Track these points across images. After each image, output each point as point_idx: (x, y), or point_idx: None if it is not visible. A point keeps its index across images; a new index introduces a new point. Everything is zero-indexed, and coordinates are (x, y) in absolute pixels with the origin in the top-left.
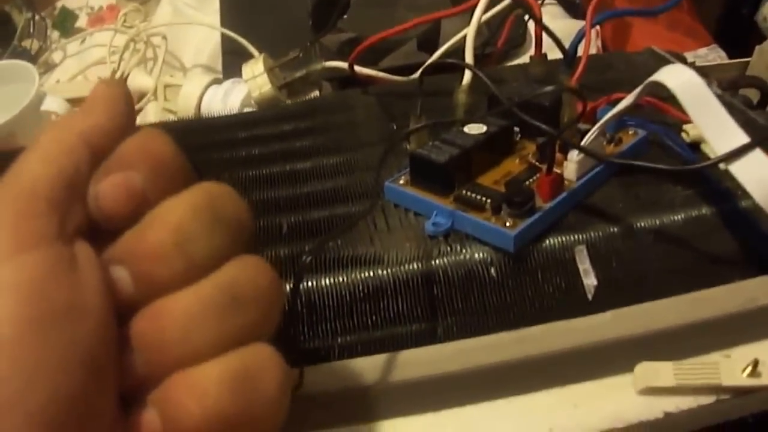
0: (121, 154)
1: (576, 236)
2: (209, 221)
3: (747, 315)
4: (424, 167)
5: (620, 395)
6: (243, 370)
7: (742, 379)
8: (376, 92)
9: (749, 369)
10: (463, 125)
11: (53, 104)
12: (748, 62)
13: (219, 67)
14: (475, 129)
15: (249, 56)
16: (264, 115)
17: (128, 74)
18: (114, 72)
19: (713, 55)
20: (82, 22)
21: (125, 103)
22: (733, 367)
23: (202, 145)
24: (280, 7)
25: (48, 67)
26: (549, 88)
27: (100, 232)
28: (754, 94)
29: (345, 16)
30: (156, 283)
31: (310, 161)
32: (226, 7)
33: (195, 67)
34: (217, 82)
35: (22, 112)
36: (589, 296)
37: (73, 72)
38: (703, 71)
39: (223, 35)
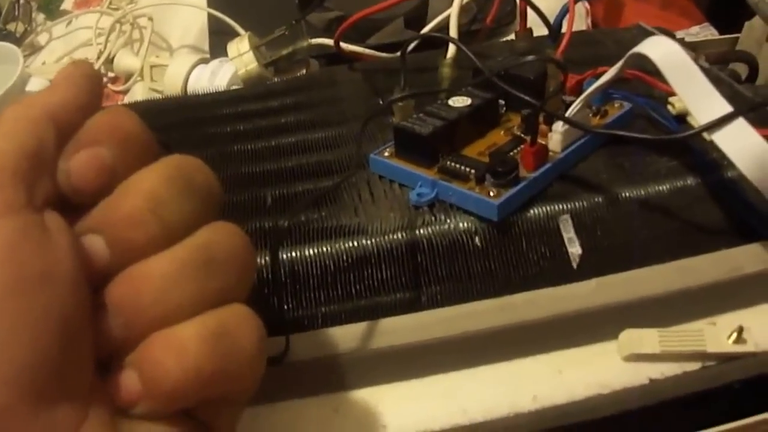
0: (89, 130)
1: (560, 206)
2: (181, 188)
3: (732, 283)
4: (408, 139)
5: (605, 362)
6: (220, 329)
7: (727, 346)
8: (362, 68)
9: (734, 336)
10: (448, 98)
11: (38, 85)
12: (737, 38)
13: (206, 47)
14: (459, 101)
15: (236, 36)
16: (250, 92)
17: (114, 55)
18: (100, 53)
19: (705, 33)
20: (67, 4)
21: (90, 81)
22: (718, 334)
23: (187, 122)
24: None
25: (33, 49)
26: (530, 58)
27: (73, 207)
28: (743, 70)
29: None
30: (131, 248)
31: (295, 136)
32: None
33: (182, 48)
34: (203, 61)
35: (6, 93)
36: (574, 264)
37: (59, 54)
38: (692, 46)
39: (209, 15)
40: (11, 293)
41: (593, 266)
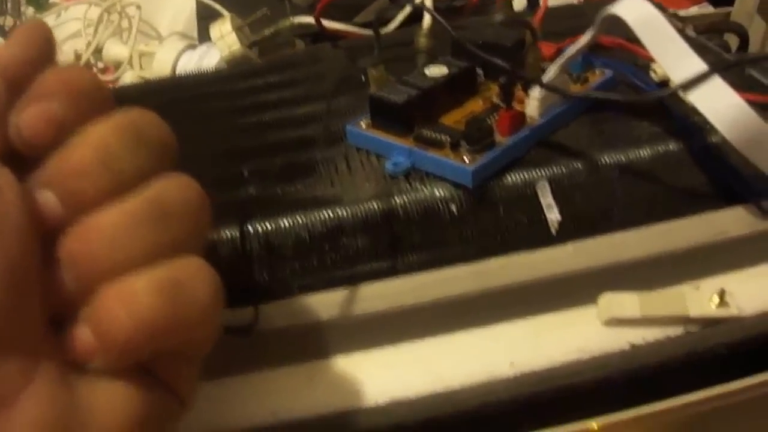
0: (41, 84)
1: (538, 172)
2: (132, 139)
3: (716, 247)
4: (384, 108)
5: (584, 327)
6: (173, 279)
7: (710, 310)
8: (345, 46)
9: (717, 299)
10: (424, 67)
11: None
12: (730, 12)
13: (195, 33)
14: (435, 71)
15: None
16: (233, 72)
17: (103, 45)
18: (89, 44)
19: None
20: None
21: (41, 37)
22: (700, 297)
23: (169, 102)
24: None
25: None
26: (498, 17)
27: (26, 162)
28: (735, 43)
29: None
30: (83, 201)
31: (276, 113)
32: None
33: (171, 35)
34: (191, 47)
35: None
36: (553, 231)
37: None
38: (682, 19)
39: (198, 1)
40: None
41: (573, 233)
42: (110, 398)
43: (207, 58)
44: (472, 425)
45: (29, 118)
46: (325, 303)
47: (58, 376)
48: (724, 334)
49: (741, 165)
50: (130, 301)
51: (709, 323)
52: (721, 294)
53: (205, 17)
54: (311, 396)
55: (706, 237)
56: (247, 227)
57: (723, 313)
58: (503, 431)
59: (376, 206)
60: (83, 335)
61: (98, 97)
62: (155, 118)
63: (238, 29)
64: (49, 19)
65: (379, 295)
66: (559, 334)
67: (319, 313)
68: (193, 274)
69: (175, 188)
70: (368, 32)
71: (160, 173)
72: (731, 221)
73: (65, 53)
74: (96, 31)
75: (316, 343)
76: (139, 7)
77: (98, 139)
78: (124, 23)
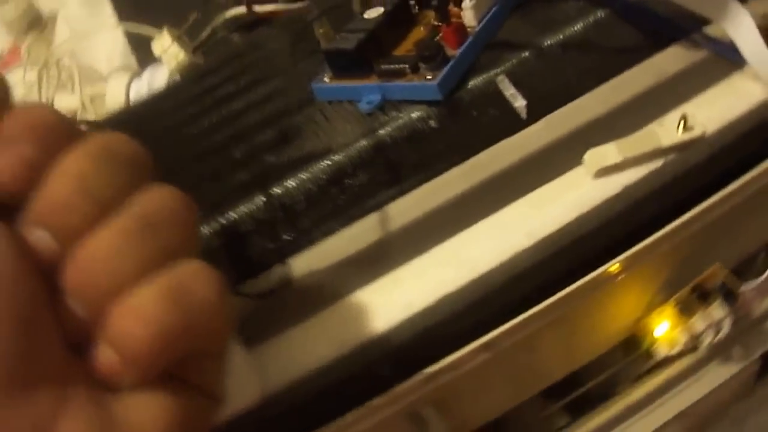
0: (6, 129)
1: (494, 71)
2: (106, 161)
3: (666, 84)
4: (339, 58)
5: (578, 185)
6: (175, 284)
7: (679, 137)
8: (280, 24)
9: (681, 125)
10: (362, 13)
11: None
12: None
13: (134, 63)
14: (373, 13)
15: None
16: (185, 80)
17: (52, 101)
18: None
19: None
20: None
21: None
22: (668, 129)
23: (139, 129)
24: None
25: None
26: None
27: (10, 207)
28: None
29: None
30: (73, 230)
31: (242, 100)
32: (116, 3)
33: (112, 72)
34: (137, 76)
35: None
36: (523, 116)
37: None
38: None
39: (124, 31)
40: None
41: (541, 112)
42: (145, 411)
43: (157, 79)
44: (510, 295)
45: (3, 164)
46: (347, 239)
47: (91, 398)
48: (698, 153)
49: (663, 10)
50: (140, 314)
51: (682, 148)
52: (684, 119)
53: (138, 45)
54: (372, 318)
55: (654, 79)
56: (260, 199)
57: (690, 135)
58: (535, 295)
59: (365, 143)
60: (105, 356)
61: (62, 128)
62: (123, 137)
63: (177, 39)
64: None
65: (394, 216)
66: (559, 199)
67: (348, 249)
68: (192, 275)
69: (157, 199)
70: (298, 5)
71: (140, 188)
72: (668, 61)
73: None
74: (40, 90)
75: (358, 271)
76: (73, 56)
77: (75, 170)
78: (64, 75)
